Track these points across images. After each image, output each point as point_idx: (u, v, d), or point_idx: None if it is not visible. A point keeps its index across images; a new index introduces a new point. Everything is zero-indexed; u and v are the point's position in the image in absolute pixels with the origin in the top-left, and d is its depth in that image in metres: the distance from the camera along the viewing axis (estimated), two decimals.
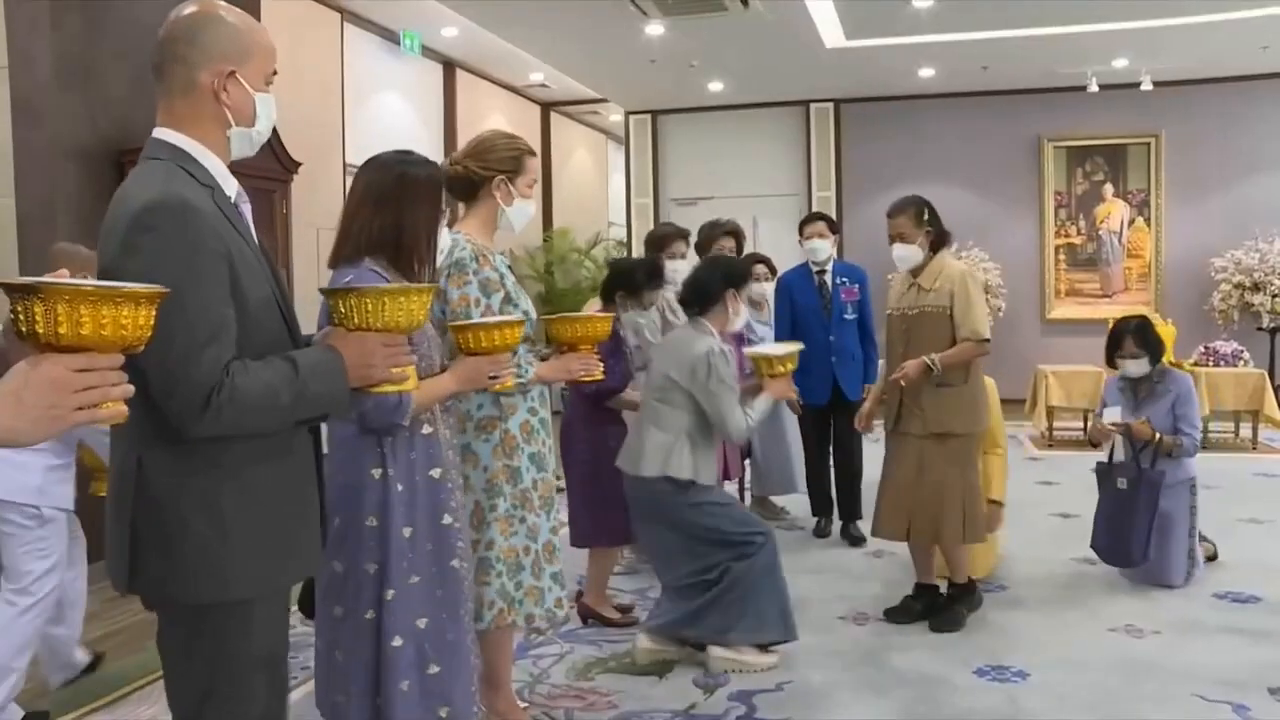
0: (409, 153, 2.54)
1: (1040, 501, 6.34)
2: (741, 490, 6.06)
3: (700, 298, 3.86)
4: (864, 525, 5.28)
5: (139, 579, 1.76)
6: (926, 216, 4.14)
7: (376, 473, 2.40)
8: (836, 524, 5.70)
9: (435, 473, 2.49)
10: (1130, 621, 4.16)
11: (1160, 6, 8.04)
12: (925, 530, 4.12)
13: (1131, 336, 4.80)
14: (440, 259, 2.78)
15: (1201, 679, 3.57)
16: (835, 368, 5.57)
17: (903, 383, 4.08)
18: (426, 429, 2.48)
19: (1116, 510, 4.67)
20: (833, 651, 3.93)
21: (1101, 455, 4.87)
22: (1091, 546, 4.79)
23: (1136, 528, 4.57)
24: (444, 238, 3.18)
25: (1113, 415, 4.72)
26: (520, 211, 3.07)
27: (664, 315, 4.89)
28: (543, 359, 2.90)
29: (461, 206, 3.07)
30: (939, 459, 4.06)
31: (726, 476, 5.76)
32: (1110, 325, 8.56)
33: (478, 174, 3.02)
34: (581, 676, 3.68)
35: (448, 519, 2.50)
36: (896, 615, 4.22)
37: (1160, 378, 4.84)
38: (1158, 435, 4.65)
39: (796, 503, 5.99)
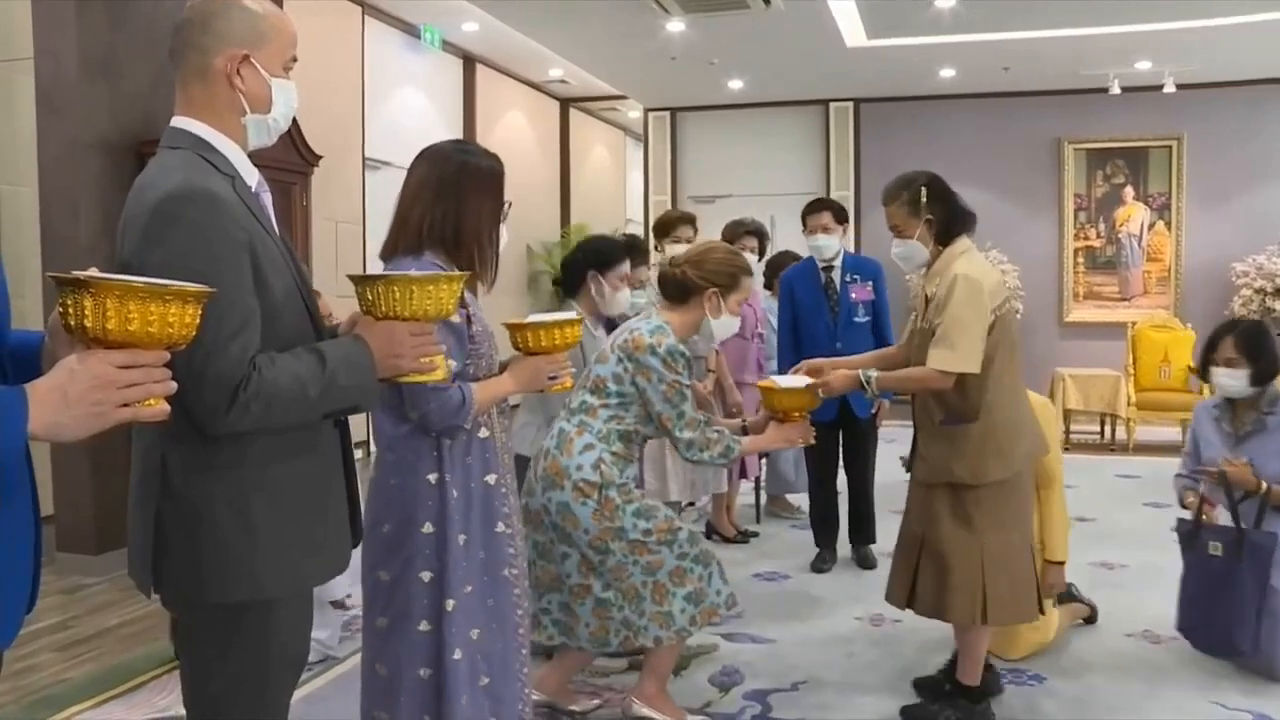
0: (468, 143, 2.47)
1: None
2: (757, 488, 6.05)
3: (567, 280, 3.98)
4: (877, 550, 5.03)
5: (165, 579, 1.73)
6: (924, 200, 3.20)
7: (432, 478, 2.30)
8: (843, 555, 5.18)
9: (490, 479, 2.39)
10: (1149, 627, 4.12)
11: (1184, 9, 7.98)
12: (928, 601, 3.23)
13: (1235, 338, 3.72)
14: (649, 336, 3.03)
15: (1221, 687, 3.54)
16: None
17: (820, 393, 3.18)
18: (484, 433, 2.38)
19: (1210, 584, 3.66)
20: (849, 652, 3.92)
21: (1183, 511, 3.89)
22: (1179, 629, 3.82)
23: (1241, 608, 3.55)
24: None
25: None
26: (724, 326, 3.22)
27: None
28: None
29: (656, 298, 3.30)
30: (945, 514, 3.18)
31: (743, 475, 5.76)
32: (1130, 329, 8.25)
33: (694, 282, 3.16)
34: (598, 674, 3.68)
35: (501, 526, 2.41)
36: (924, 690, 3.49)
37: (1272, 406, 3.71)
38: (1264, 484, 3.58)
39: None
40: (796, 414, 3.16)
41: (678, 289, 3.20)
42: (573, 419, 3.10)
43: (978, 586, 3.13)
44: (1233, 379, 3.70)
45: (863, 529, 5.17)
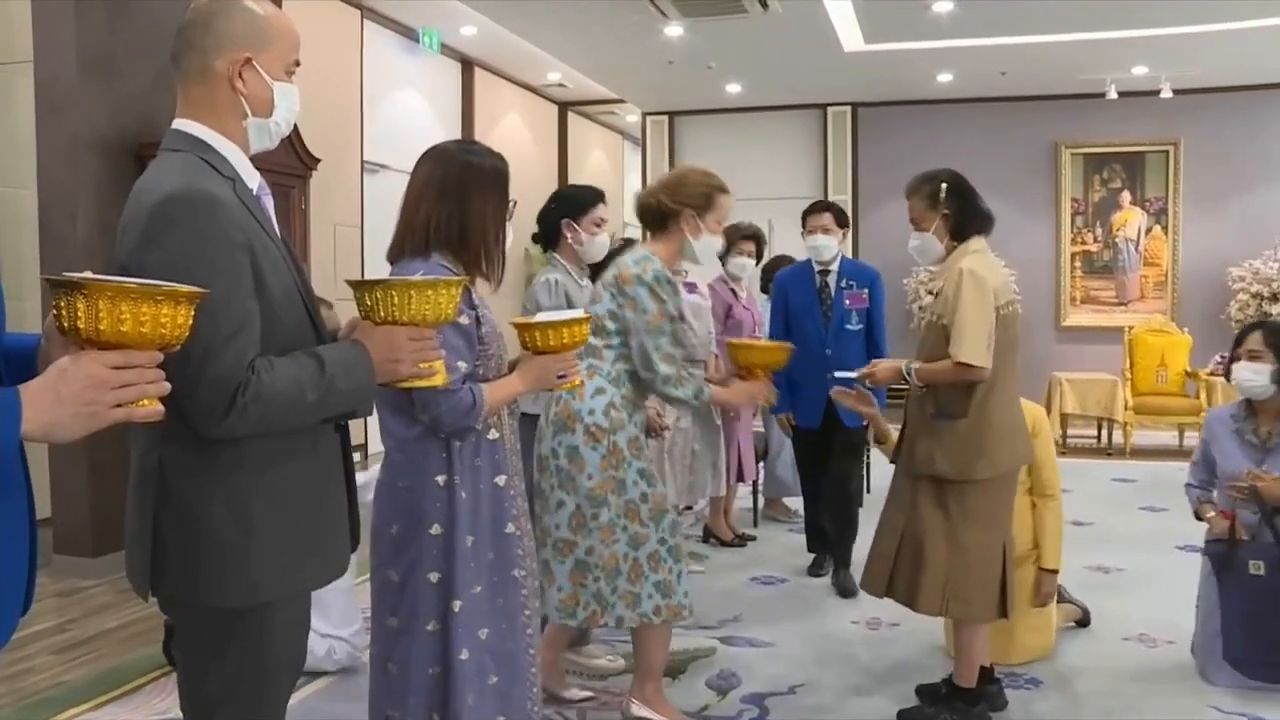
0: (473, 142, 2.47)
1: None
2: (755, 492, 6.05)
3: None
4: (857, 574, 4.50)
5: (163, 582, 1.72)
6: (943, 196, 3.31)
7: (441, 479, 2.30)
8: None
9: (500, 480, 2.39)
10: (1144, 630, 4.13)
11: (1181, 14, 7.99)
12: (903, 590, 3.31)
13: (1263, 332, 3.58)
14: (633, 268, 3.06)
15: (1217, 691, 3.54)
16: (831, 386, 4.60)
17: (867, 383, 3.43)
18: (493, 434, 2.38)
19: (1256, 606, 3.46)
20: (846, 655, 3.92)
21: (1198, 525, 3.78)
22: (1227, 659, 3.54)
23: None
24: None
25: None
26: (706, 246, 3.25)
27: None
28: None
29: (646, 234, 3.29)
30: (926, 506, 3.24)
31: (740, 479, 5.76)
32: (1127, 333, 8.23)
33: (669, 207, 3.18)
34: (595, 676, 3.68)
35: (510, 528, 2.41)
36: (923, 694, 3.50)
37: None
38: None
39: None
40: (760, 371, 3.21)
41: (655, 217, 3.22)
42: (581, 362, 3.07)
43: (940, 578, 3.21)
44: (1255, 374, 3.54)
45: (841, 549, 4.81)
